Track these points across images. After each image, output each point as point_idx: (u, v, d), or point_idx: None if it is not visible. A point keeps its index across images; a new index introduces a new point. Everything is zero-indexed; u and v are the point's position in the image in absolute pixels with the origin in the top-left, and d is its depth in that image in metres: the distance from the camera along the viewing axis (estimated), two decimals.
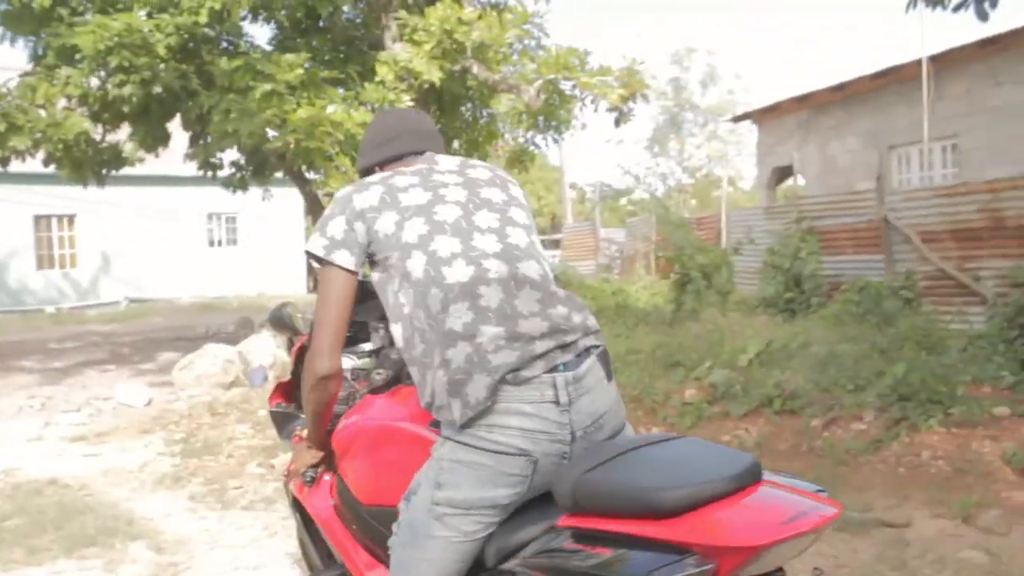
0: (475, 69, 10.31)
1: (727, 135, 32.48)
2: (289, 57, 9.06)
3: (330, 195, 9.33)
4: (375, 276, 2.01)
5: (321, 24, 10.86)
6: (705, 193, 32.12)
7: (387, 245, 1.92)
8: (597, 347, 1.86)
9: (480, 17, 9.53)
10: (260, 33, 59.54)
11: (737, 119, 18.43)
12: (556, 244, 25.96)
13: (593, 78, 10.29)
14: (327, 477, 2.35)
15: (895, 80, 13.63)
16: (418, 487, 1.85)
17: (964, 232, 9.41)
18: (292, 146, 8.76)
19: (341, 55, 10.73)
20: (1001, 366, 6.35)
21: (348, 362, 2.45)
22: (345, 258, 1.94)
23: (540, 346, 1.77)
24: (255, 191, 12.92)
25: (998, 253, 8.90)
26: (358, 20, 11.28)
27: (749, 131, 35.12)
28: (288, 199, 18.13)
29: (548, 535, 1.66)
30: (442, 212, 1.93)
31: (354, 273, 1.96)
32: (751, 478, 1.46)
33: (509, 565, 1.72)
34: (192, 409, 7.76)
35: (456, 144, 11.83)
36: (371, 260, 1.98)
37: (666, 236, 11.98)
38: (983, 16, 6.36)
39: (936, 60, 12.27)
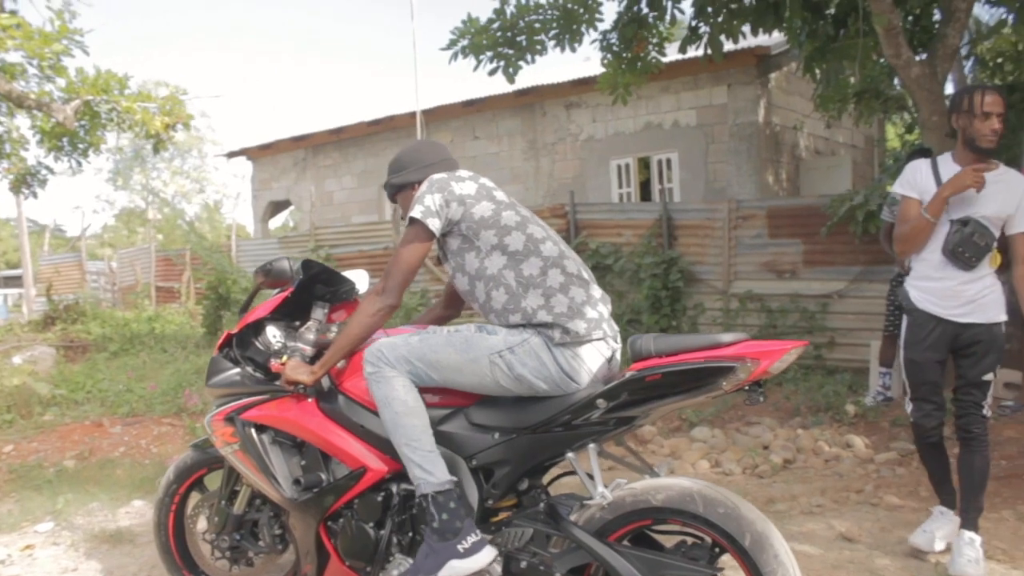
0: None
1: (193, 171, 32.39)
2: None
3: None
4: (453, 244, 2.65)
5: None
6: (171, 226, 31.61)
7: (482, 224, 2.60)
8: None
9: (19, 25, 8.95)
10: None
11: (232, 155, 18.92)
12: (6, 281, 23.48)
13: (134, 102, 10.24)
14: (309, 399, 2.81)
15: (389, 127, 15.53)
16: (496, 334, 2.54)
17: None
18: None
19: None
20: None
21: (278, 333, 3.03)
22: (435, 224, 2.60)
23: (603, 309, 2.61)
24: None
25: None
26: None
27: (215, 168, 35.80)
28: None
29: (612, 390, 2.39)
30: (518, 207, 2.70)
31: (433, 237, 2.61)
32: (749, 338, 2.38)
33: (586, 418, 2.44)
34: None
35: None
36: (450, 232, 2.64)
37: (206, 261, 12.16)
38: (511, 79, 8.09)
39: (427, 113, 14.35)
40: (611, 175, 13.57)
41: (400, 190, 2.87)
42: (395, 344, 2.61)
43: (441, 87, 16.56)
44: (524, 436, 2.53)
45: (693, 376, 2.31)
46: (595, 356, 2.53)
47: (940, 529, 3.71)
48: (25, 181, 11.64)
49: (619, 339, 2.66)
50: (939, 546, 3.69)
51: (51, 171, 11.67)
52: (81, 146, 11.04)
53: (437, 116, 14.70)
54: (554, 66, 12.93)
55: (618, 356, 2.64)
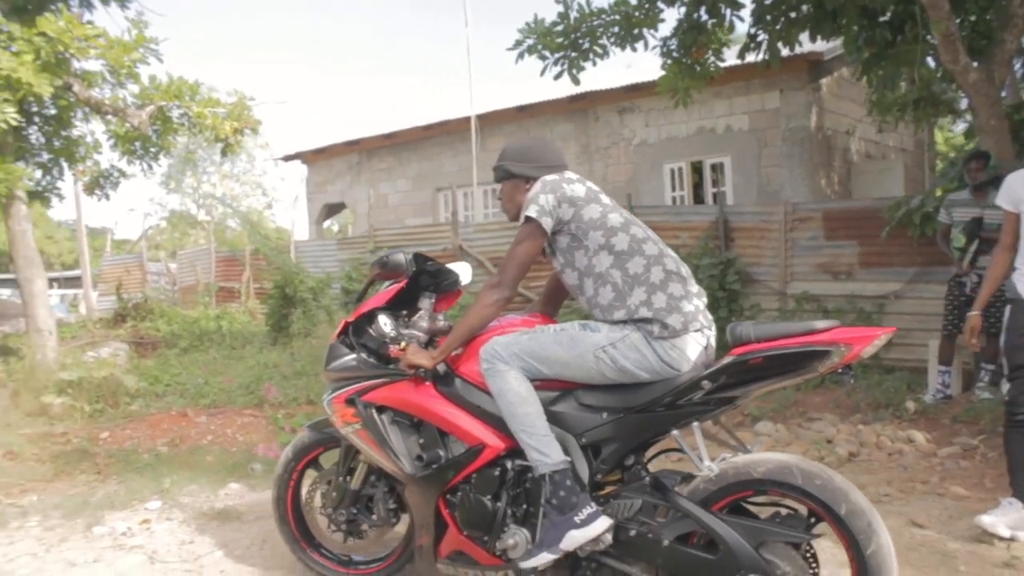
0: (76, 87, 10.05)
1: (243, 175, 33.07)
2: None
3: None
4: (562, 242, 2.91)
5: None
6: (222, 228, 32.27)
7: (591, 225, 2.84)
8: None
9: (100, 35, 9.36)
10: None
11: (288, 158, 19.36)
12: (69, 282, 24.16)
13: (205, 107, 10.64)
14: (427, 381, 3.07)
15: (443, 132, 15.84)
16: (599, 331, 2.78)
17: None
18: None
19: None
20: None
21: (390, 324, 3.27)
22: (547, 223, 2.86)
23: (699, 302, 2.83)
24: None
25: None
26: None
27: (262, 172, 36.60)
28: None
29: (715, 372, 2.63)
30: (620, 210, 2.94)
31: (546, 234, 2.87)
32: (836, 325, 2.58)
33: (688, 400, 2.68)
34: None
35: (25, 163, 11.09)
36: (560, 231, 2.88)
37: (271, 261, 12.55)
38: (576, 81, 8.37)
39: (481, 118, 14.63)
40: (664, 179, 13.77)
41: (511, 178, 3.09)
42: (507, 342, 2.87)
43: (494, 93, 16.79)
44: (631, 416, 2.78)
45: (792, 359, 2.55)
46: (693, 345, 2.76)
47: (1007, 516, 3.88)
48: (98, 183, 12.11)
49: (714, 327, 2.89)
50: (1004, 532, 3.86)
51: (123, 174, 12.12)
52: (153, 150, 11.47)
53: (491, 121, 14.98)
54: (606, 72, 13.12)
55: (713, 343, 2.87)
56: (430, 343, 3.21)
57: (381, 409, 3.17)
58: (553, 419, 2.83)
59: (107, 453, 6.15)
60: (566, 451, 2.79)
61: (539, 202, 2.86)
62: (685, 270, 2.92)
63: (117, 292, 14.58)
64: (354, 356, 3.30)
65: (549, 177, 2.95)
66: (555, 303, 3.43)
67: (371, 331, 3.30)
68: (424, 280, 3.32)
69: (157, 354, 10.92)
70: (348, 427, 3.24)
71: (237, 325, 12.90)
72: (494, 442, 2.92)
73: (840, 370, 2.57)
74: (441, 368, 3.07)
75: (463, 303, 4.17)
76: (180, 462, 5.86)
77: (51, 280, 32.01)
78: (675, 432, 2.74)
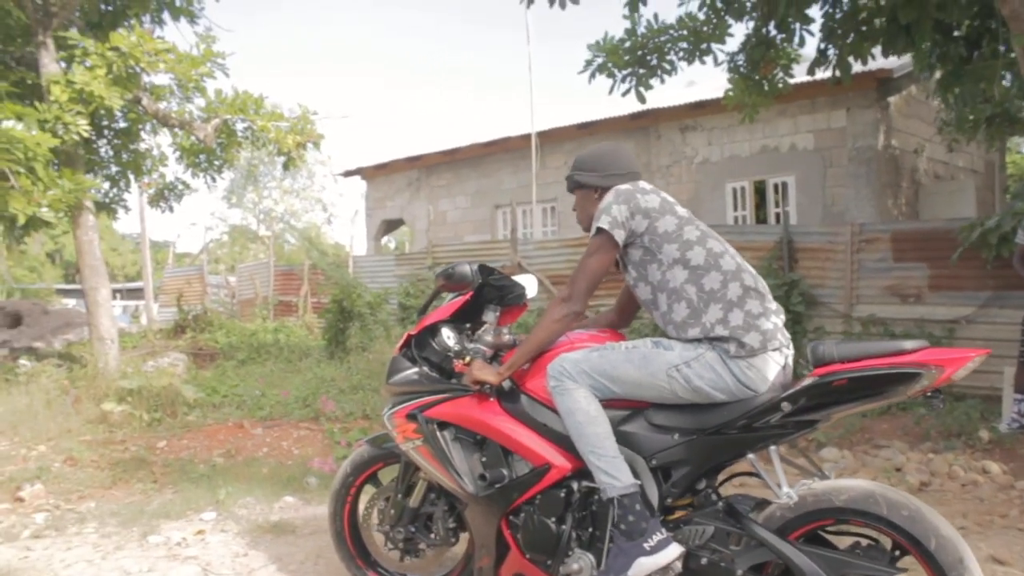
0: (144, 101, 10.24)
1: (303, 191, 33.51)
2: None
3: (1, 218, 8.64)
4: (635, 255, 2.80)
5: None
6: (278, 244, 32.68)
7: (665, 238, 2.73)
8: None
9: (169, 50, 9.52)
10: None
11: (347, 174, 19.54)
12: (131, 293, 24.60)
13: (268, 121, 10.75)
14: (491, 398, 2.96)
15: (503, 148, 15.82)
16: (672, 349, 2.67)
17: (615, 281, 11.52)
18: None
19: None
20: None
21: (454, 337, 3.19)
22: (620, 236, 2.76)
23: (778, 320, 2.70)
24: None
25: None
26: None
27: (322, 187, 37.04)
28: None
29: (795, 394, 2.49)
30: (696, 222, 2.82)
31: (618, 247, 2.77)
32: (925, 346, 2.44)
33: (766, 422, 2.54)
34: None
35: (94, 175, 11.30)
36: (633, 243, 2.78)
37: (329, 276, 12.61)
38: (642, 99, 8.29)
39: (542, 135, 14.59)
40: (726, 198, 13.57)
41: (581, 188, 3.01)
42: (576, 359, 2.76)
43: (554, 111, 16.75)
44: (704, 437, 2.64)
45: (878, 382, 2.40)
46: (770, 365, 2.62)
47: None
48: (163, 196, 12.32)
49: (792, 346, 2.75)
50: None
51: (187, 187, 12.33)
52: (217, 163, 11.63)
53: (551, 138, 14.92)
54: (668, 90, 13.00)
55: (791, 362, 2.73)
56: (495, 358, 3.11)
57: (443, 425, 3.08)
58: (622, 439, 2.72)
59: (164, 462, 6.17)
60: (635, 473, 2.67)
61: (611, 213, 2.76)
62: (763, 286, 2.78)
63: (177, 304, 14.79)
64: (416, 370, 3.22)
65: (623, 187, 2.85)
66: (626, 315, 3.31)
67: (434, 344, 3.22)
68: (489, 293, 3.22)
69: (215, 365, 11.00)
70: (409, 443, 3.15)
71: (294, 338, 12.97)
72: (560, 462, 2.81)
73: (928, 394, 2.41)
74: (506, 384, 2.97)
75: (525, 321, 4.08)
76: (235, 473, 5.85)
77: (114, 291, 32.75)
78: (751, 456, 2.60)
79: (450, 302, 3.28)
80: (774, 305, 2.76)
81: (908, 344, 2.41)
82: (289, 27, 72.76)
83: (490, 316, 3.17)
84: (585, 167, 3.01)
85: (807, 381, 2.48)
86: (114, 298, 31.13)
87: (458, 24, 76.43)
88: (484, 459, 2.99)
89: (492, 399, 2.98)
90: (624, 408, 2.78)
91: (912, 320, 8.68)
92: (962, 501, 5.27)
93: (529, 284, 3.31)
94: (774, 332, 2.66)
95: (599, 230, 2.77)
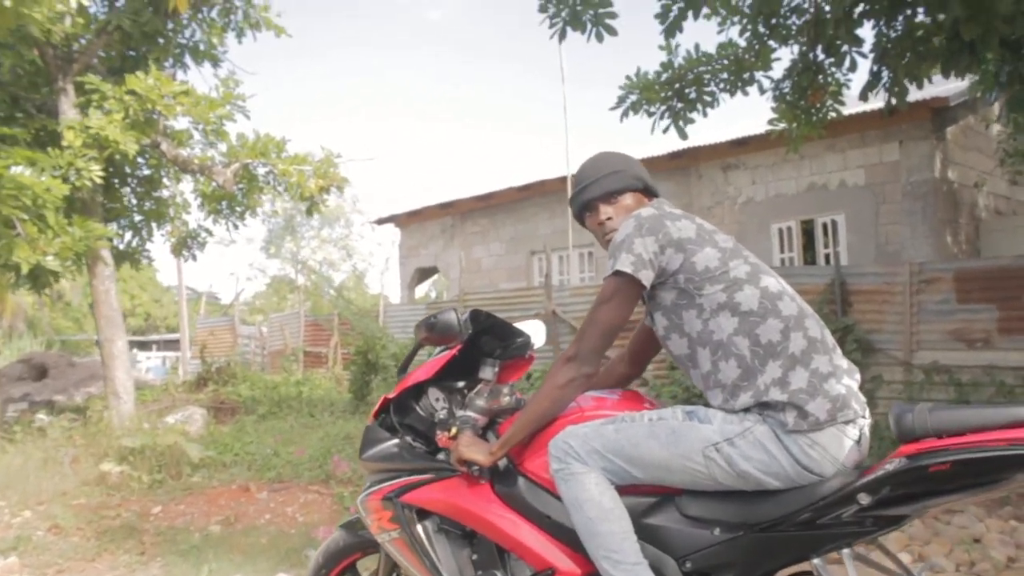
0: (164, 146, 9.92)
1: (340, 240, 33.41)
2: None
3: (6, 267, 8.28)
4: (665, 298, 2.18)
5: None
6: (317, 295, 32.51)
7: (707, 277, 2.11)
8: None
9: (186, 92, 9.21)
10: None
11: (381, 222, 19.21)
12: (166, 344, 24.41)
13: (290, 165, 10.37)
14: (482, 481, 2.34)
15: (539, 192, 15.33)
16: (710, 421, 2.04)
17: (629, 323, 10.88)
18: None
19: (19, 114, 9.65)
20: None
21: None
22: (647, 277, 2.12)
23: (851, 381, 2.07)
24: None
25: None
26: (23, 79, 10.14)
27: (360, 236, 37.04)
28: None
29: (876, 481, 1.90)
30: (744, 252, 2.19)
31: (642, 290, 2.16)
32: None
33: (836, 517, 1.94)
34: None
35: (116, 225, 10.99)
36: (663, 283, 2.16)
37: (354, 326, 12.15)
38: (683, 135, 7.72)
39: None
40: (772, 239, 12.86)
41: (612, 195, 2.36)
42: (586, 435, 2.14)
43: (591, 153, 16.23)
44: (753, 535, 2.02)
45: (994, 465, 1.77)
46: (841, 441, 1.99)
47: None
48: (186, 244, 12.00)
49: (868, 415, 2.11)
50: None
51: (210, 234, 12.01)
52: (239, 209, 11.30)
53: None
54: (709, 128, 12.43)
55: (868, 435, 2.09)
56: (490, 426, 2.49)
57: (425, 512, 2.46)
58: (647, 535, 2.09)
59: (156, 530, 5.64)
60: None
61: (634, 250, 2.12)
62: (830, 338, 2.14)
63: (200, 355, 14.41)
64: (396, 442, 2.59)
65: (645, 212, 2.21)
66: (641, 362, 2.65)
67: (419, 409, 2.60)
68: (487, 343, 2.61)
69: (235, 420, 10.52)
70: (384, 534, 2.53)
71: (319, 391, 12.46)
72: (567, 567, 2.19)
73: None
74: (502, 464, 2.33)
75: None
76: (231, 544, 5.29)
77: (153, 343, 32.75)
78: (816, 561, 1.95)
79: (434, 358, 2.62)
80: (845, 363, 2.12)
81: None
82: (320, 70, 73.48)
83: (488, 372, 2.54)
84: (601, 170, 2.38)
85: (894, 464, 1.86)
86: (152, 349, 31.14)
87: (495, 66, 76.59)
88: (475, 557, 2.36)
89: (484, 482, 2.34)
90: (649, 495, 2.16)
91: (980, 367, 7.92)
92: None
93: (536, 332, 2.69)
94: (847, 398, 2.02)
95: (617, 272, 2.14)
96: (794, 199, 12.61)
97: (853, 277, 8.94)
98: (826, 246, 12.30)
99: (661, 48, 7.32)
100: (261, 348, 18.69)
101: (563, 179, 13.93)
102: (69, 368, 14.51)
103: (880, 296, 8.70)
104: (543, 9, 6.81)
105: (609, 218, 2.35)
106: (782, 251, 12.83)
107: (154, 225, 11.47)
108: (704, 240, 2.15)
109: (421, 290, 20.83)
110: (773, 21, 7.16)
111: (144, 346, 29.20)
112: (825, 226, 12.37)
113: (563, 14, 6.76)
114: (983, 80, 6.85)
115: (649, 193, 2.39)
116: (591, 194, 2.37)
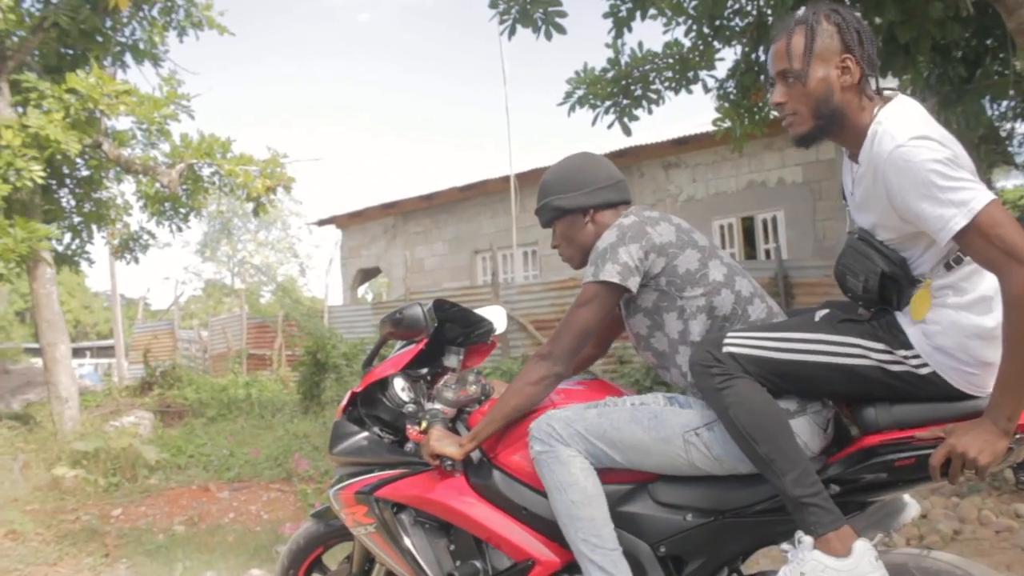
0: (105, 146, 9.76)
1: (278, 242, 33.03)
2: None
3: None
4: (646, 300, 2.24)
5: None
6: (255, 296, 32.03)
7: (688, 280, 2.18)
8: None
9: (129, 92, 9.08)
10: None
11: (322, 223, 19.06)
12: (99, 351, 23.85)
13: (236, 165, 10.27)
14: (456, 475, 2.37)
15: (481, 192, 15.42)
16: (690, 407, 2.12)
17: None
18: None
19: None
20: None
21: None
22: (634, 283, 2.18)
23: None
24: None
25: None
26: None
27: (298, 239, 36.67)
28: None
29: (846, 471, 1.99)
30: (719, 253, 2.27)
31: (620, 296, 2.23)
32: None
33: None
34: None
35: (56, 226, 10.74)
36: (645, 285, 2.21)
37: (303, 327, 12.07)
38: (627, 131, 7.90)
39: (521, 177, 14.18)
40: (714, 236, 13.18)
41: (565, 214, 2.40)
42: (569, 418, 2.18)
43: (533, 155, 16.43)
44: (725, 520, 2.10)
45: None
46: (811, 428, 2.07)
47: None
48: (127, 246, 11.79)
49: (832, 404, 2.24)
50: None
51: (153, 236, 11.81)
52: (183, 210, 11.14)
53: (531, 180, 14.48)
54: (649, 129, 12.68)
55: (833, 420, 2.18)
56: (459, 416, 2.51)
57: (400, 506, 2.48)
58: (622, 522, 2.15)
59: (118, 532, 5.58)
60: (639, 564, 2.12)
61: (619, 259, 2.16)
62: None
63: (144, 359, 14.16)
64: (365, 435, 2.60)
65: (626, 220, 2.27)
66: (605, 343, 2.71)
67: (385, 400, 2.59)
68: (450, 330, 2.62)
69: (183, 423, 10.39)
70: (360, 527, 2.54)
71: (267, 393, 12.35)
72: (547, 556, 2.24)
73: (1016, 467, 1.91)
74: (475, 455, 2.36)
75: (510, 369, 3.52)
76: (198, 543, 5.27)
77: (86, 349, 31.96)
78: (786, 546, 2.01)
79: (401, 353, 2.64)
80: None
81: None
82: (263, 78, 72.64)
83: (452, 360, 2.59)
84: (561, 187, 2.40)
85: (860, 456, 1.97)
86: (85, 356, 30.37)
87: (437, 80, 76.36)
88: (453, 547, 2.40)
89: (458, 475, 2.38)
90: (624, 483, 2.21)
91: None
92: (1001, 550, 4.76)
93: (497, 317, 2.72)
94: None
95: (601, 281, 2.19)
96: (734, 196, 12.94)
97: (795, 270, 9.25)
98: (766, 242, 12.65)
99: (608, 46, 7.49)
100: (203, 352, 18.41)
101: (506, 179, 14.05)
102: (3, 375, 14.16)
103: (822, 288, 8.99)
104: (493, 5, 6.91)
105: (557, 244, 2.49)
106: (724, 247, 13.15)
107: (94, 227, 11.26)
108: (684, 242, 2.23)
109: (361, 291, 20.71)
110: (718, 22, 7.36)
111: (77, 352, 28.46)
112: (765, 222, 12.72)
113: (513, 11, 6.87)
114: (915, 81, 7.15)
115: (624, 203, 2.43)
116: (566, 204, 2.40)
